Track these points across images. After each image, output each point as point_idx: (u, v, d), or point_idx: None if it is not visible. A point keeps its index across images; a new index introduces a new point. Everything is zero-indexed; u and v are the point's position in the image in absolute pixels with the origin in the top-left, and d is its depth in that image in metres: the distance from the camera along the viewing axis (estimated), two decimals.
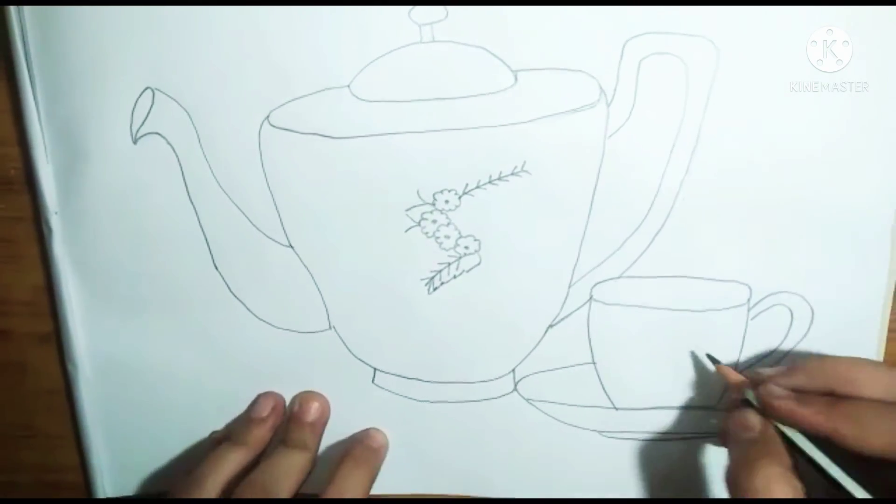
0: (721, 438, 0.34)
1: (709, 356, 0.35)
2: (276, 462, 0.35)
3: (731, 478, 0.30)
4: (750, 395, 0.32)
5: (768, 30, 0.31)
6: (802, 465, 0.30)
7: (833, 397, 0.30)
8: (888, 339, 0.35)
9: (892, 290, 0.34)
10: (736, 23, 0.31)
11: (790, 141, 0.32)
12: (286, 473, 0.34)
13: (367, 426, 0.37)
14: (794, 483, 0.29)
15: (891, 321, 0.34)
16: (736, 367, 0.35)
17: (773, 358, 0.35)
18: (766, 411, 0.31)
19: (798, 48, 0.31)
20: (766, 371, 0.33)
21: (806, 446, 0.30)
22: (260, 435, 0.36)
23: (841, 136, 0.32)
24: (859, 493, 0.28)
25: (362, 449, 0.36)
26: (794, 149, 0.32)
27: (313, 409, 0.36)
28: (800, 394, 0.31)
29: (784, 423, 0.30)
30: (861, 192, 0.33)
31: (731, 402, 0.34)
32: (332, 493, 0.34)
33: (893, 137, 0.32)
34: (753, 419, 0.31)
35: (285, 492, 0.34)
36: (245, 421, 0.36)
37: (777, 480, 0.29)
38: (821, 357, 0.33)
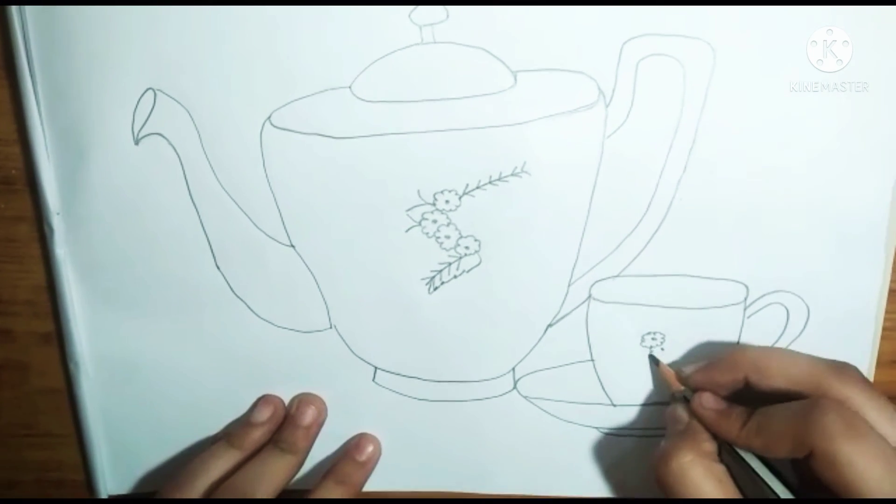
0: None
1: (651, 357, 0.35)
2: (261, 465, 0.35)
3: (654, 463, 0.32)
4: (686, 392, 0.34)
5: (768, 30, 0.31)
6: (736, 467, 0.31)
7: (747, 408, 0.31)
8: (882, 338, 0.35)
9: (887, 288, 0.34)
10: (734, 24, 0.31)
11: (787, 141, 0.33)
12: (268, 477, 0.35)
13: (368, 424, 0.38)
14: (713, 469, 0.31)
15: (885, 319, 0.35)
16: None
17: None
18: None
19: (798, 48, 0.32)
20: (687, 369, 0.34)
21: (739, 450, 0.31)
22: (255, 438, 0.36)
23: (840, 136, 0.33)
24: (781, 491, 0.30)
25: (347, 465, 0.37)
26: (790, 149, 0.33)
27: (309, 414, 0.36)
28: (726, 407, 0.32)
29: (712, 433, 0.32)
30: (857, 192, 0.33)
31: (671, 398, 0.35)
32: None
33: (893, 137, 0.33)
34: (682, 413, 0.33)
35: (262, 496, 0.34)
36: (243, 424, 0.37)
37: (693, 466, 0.30)
38: (737, 348, 0.34)
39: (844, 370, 0.30)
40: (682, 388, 0.34)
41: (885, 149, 0.33)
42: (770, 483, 0.30)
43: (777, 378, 0.31)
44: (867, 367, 0.35)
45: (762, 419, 0.30)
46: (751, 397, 0.32)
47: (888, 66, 0.32)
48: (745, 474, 0.31)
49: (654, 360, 0.35)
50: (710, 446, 0.31)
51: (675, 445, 0.31)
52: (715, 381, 0.33)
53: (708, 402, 0.32)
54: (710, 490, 0.30)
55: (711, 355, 0.34)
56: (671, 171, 0.33)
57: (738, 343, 0.35)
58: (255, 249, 0.35)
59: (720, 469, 0.31)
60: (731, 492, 0.30)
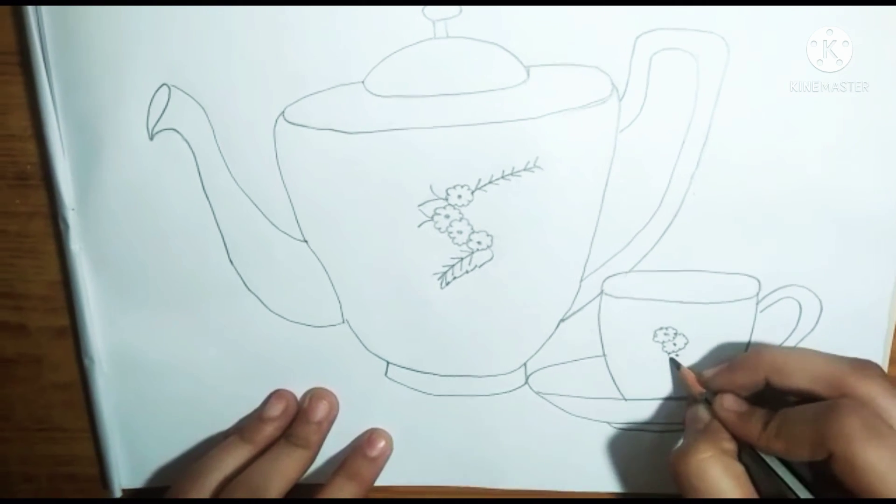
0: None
1: (672, 360, 0.35)
2: (273, 460, 0.35)
3: (672, 460, 0.31)
4: (707, 394, 0.34)
5: (770, 30, 0.31)
6: (755, 468, 0.31)
7: (769, 410, 0.31)
8: None
9: None
10: (745, 19, 0.31)
11: (797, 137, 0.33)
12: (280, 472, 0.35)
13: (380, 419, 0.38)
14: (732, 466, 0.30)
15: None
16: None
17: None
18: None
19: (798, 48, 0.32)
20: (707, 372, 0.34)
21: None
22: (268, 433, 0.36)
23: (841, 136, 0.32)
24: (802, 493, 0.30)
25: (358, 460, 0.37)
26: (800, 145, 0.33)
27: (321, 409, 0.37)
28: (747, 409, 0.32)
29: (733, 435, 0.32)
30: (869, 189, 0.33)
31: (690, 400, 0.35)
32: None
33: (894, 137, 0.33)
34: (703, 413, 0.33)
35: (275, 491, 0.34)
36: (255, 419, 0.37)
37: (712, 463, 0.30)
38: (757, 350, 0.34)
39: (866, 368, 0.30)
40: (703, 390, 0.34)
41: (886, 148, 0.33)
42: (791, 485, 0.30)
43: (798, 377, 0.31)
44: (880, 362, 0.35)
45: (782, 422, 0.30)
46: (774, 397, 0.32)
47: (888, 66, 0.32)
48: (765, 476, 0.31)
49: (674, 364, 0.35)
50: (729, 445, 0.31)
51: (694, 442, 0.31)
52: (735, 383, 0.33)
53: (729, 404, 0.32)
54: (728, 488, 0.30)
55: (730, 356, 0.34)
56: (684, 165, 0.33)
57: (750, 339, 0.35)
58: (268, 244, 0.35)
59: (739, 468, 0.30)
60: (749, 491, 0.30)
